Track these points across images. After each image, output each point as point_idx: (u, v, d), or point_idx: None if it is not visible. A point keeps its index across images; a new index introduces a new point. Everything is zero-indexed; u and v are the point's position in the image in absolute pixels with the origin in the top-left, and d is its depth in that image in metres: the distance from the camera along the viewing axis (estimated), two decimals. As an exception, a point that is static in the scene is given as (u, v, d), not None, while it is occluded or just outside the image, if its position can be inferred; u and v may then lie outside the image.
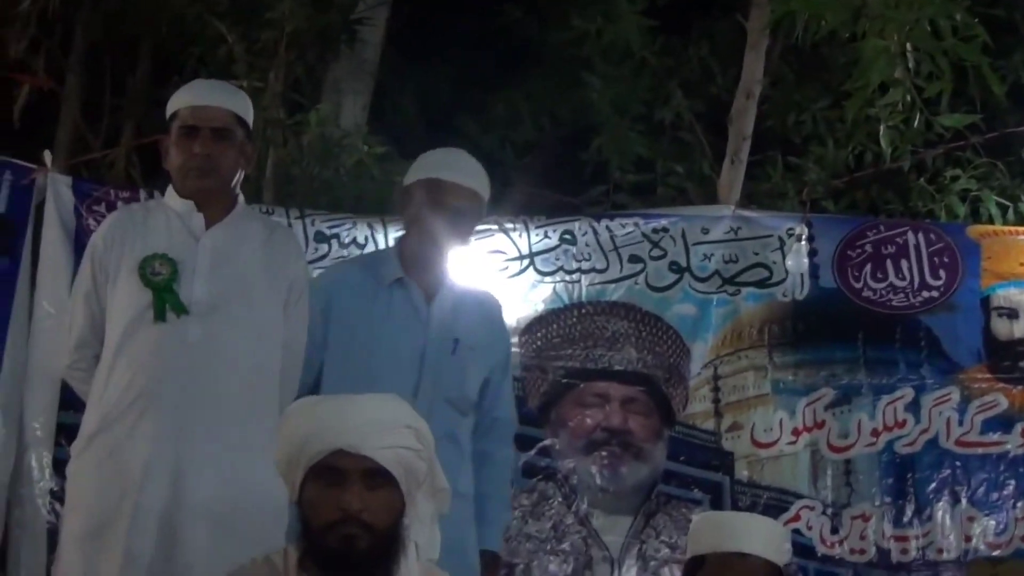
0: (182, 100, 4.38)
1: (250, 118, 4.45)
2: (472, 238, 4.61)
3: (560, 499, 5.68)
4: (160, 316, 4.20)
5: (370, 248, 5.80)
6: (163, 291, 4.22)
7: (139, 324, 4.22)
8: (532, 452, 5.71)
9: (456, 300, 4.52)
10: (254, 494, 4.15)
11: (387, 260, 4.57)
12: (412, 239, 4.54)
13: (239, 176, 4.42)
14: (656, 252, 5.95)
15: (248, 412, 4.22)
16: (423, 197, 4.46)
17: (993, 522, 5.82)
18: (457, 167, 4.53)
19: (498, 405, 4.60)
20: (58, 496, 5.15)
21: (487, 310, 4.65)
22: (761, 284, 5.98)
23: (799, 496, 5.86)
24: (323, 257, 5.76)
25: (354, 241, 5.84)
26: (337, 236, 5.83)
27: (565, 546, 5.61)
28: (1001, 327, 5.97)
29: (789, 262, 5.94)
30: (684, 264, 5.95)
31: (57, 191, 5.58)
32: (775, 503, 5.83)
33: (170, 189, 4.42)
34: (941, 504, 5.83)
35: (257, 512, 4.15)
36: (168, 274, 4.24)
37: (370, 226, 5.87)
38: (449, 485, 3.54)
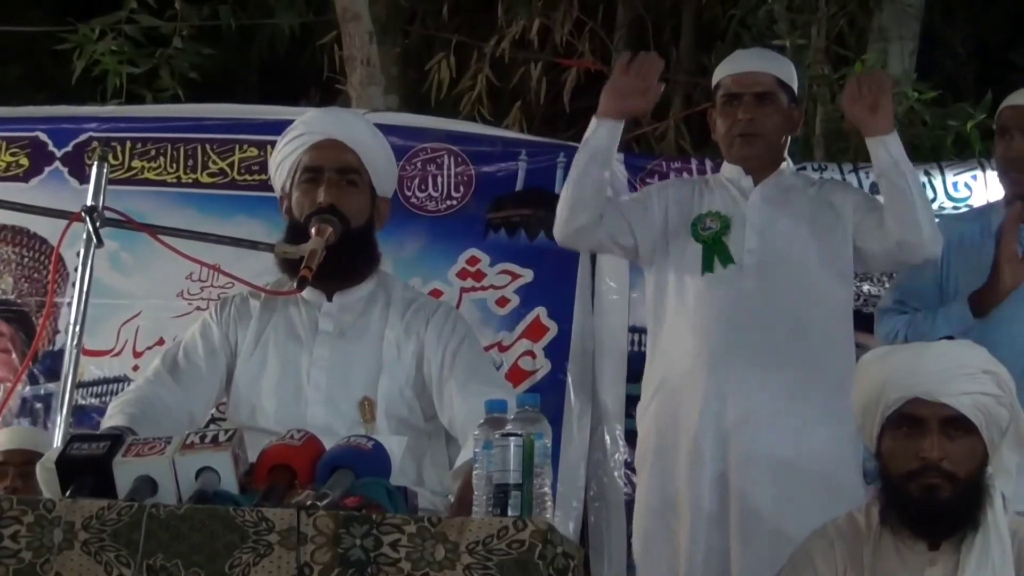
0: (724, 70, 4.46)
1: (794, 83, 4.46)
2: None
3: None
4: (707, 267, 4.27)
5: (927, 195, 5.60)
6: (711, 244, 4.29)
7: (691, 279, 4.29)
8: None
9: None
10: (812, 449, 4.14)
11: (994, 205, 4.54)
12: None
13: (785, 140, 4.44)
14: None
15: (801, 363, 4.18)
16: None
17: None
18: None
19: None
20: (632, 467, 5.21)
21: None
22: None
23: None
24: (878, 209, 5.60)
25: (912, 190, 5.65)
26: (893, 186, 5.66)
27: None
28: None
29: None
30: None
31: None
32: None
33: (724, 163, 4.49)
34: None
35: (817, 466, 4.13)
36: (718, 228, 4.31)
37: (927, 173, 5.65)
38: None
